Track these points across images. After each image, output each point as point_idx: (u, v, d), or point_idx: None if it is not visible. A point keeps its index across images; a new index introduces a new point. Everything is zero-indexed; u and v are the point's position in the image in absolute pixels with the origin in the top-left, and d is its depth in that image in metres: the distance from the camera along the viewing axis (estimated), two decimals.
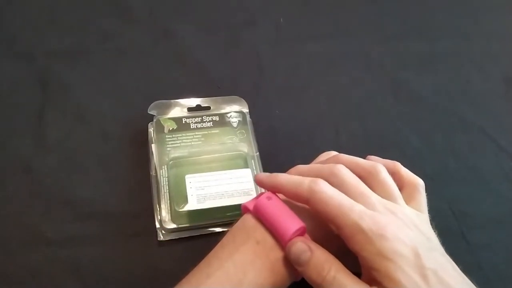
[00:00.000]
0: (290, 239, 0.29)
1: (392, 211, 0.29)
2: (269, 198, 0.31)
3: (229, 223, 0.39)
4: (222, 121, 0.45)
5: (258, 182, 0.33)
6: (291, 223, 0.30)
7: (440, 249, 0.29)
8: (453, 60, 0.56)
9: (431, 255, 0.27)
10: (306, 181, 0.30)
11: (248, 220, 0.32)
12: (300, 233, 0.30)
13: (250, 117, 0.46)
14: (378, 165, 0.32)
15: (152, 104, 0.44)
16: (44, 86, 0.46)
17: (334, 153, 0.36)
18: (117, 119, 0.45)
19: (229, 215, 0.39)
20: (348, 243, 0.28)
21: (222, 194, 0.39)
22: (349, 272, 0.27)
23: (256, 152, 0.43)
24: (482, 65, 0.56)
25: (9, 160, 0.41)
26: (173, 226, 0.38)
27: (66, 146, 0.43)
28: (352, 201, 0.29)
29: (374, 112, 0.50)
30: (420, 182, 0.33)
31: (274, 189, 0.32)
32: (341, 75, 0.53)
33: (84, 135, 0.44)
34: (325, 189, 0.29)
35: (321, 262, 0.28)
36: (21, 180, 0.40)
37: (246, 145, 0.44)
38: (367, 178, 0.31)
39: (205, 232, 0.39)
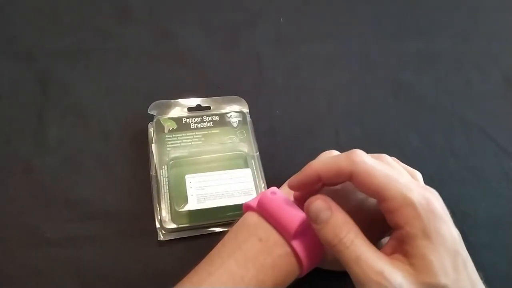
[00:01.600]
0: (296, 232, 0.29)
1: (429, 189, 0.28)
2: (273, 193, 0.31)
3: (229, 223, 0.39)
4: (222, 121, 0.45)
5: (294, 186, 0.31)
6: (296, 215, 0.29)
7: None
8: (453, 60, 0.56)
9: (461, 240, 0.27)
10: (342, 156, 0.28)
11: (250, 218, 0.32)
12: (305, 226, 0.30)
13: (250, 117, 0.46)
14: (383, 154, 0.32)
15: (152, 104, 0.44)
16: (44, 86, 0.46)
17: (334, 152, 0.36)
18: (117, 119, 0.45)
19: (229, 215, 0.39)
20: (391, 215, 0.27)
21: (222, 194, 0.39)
22: (368, 241, 0.27)
23: (256, 152, 0.43)
24: (482, 65, 0.56)
25: (9, 160, 0.41)
26: (173, 226, 0.38)
27: (66, 146, 0.43)
28: (396, 172, 0.28)
29: (374, 112, 0.50)
30: (418, 173, 0.33)
31: (311, 180, 0.30)
32: (341, 75, 0.53)
33: (84, 135, 0.44)
34: (366, 159, 0.28)
35: (340, 223, 0.27)
36: (21, 180, 0.40)
37: (246, 145, 0.44)
38: None
39: (205, 232, 0.39)
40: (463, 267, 0.26)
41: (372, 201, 0.30)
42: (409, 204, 0.26)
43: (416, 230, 0.25)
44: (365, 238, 0.27)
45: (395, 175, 0.27)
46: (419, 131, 0.49)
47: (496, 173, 0.47)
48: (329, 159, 0.29)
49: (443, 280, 0.25)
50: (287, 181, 0.34)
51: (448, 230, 0.26)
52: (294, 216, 0.29)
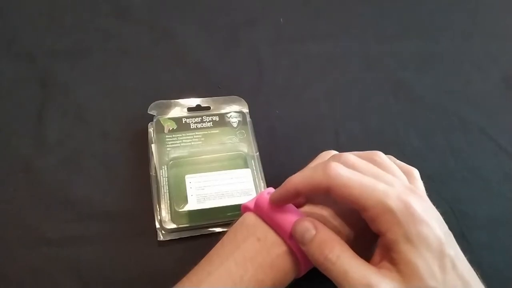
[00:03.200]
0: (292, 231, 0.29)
1: (412, 189, 0.28)
2: (269, 194, 0.31)
3: (229, 223, 0.39)
4: (222, 121, 0.45)
5: (275, 201, 0.30)
6: (292, 215, 0.30)
7: (451, 232, 0.28)
8: (453, 60, 0.56)
9: (450, 239, 0.27)
10: (319, 169, 0.28)
11: (248, 218, 0.32)
12: None
13: (250, 117, 0.46)
14: (377, 152, 0.31)
15: (152, 104, 0.44)
16: (44, 86, 0.46)
17: (333, 152, 0.36)
18: (117, 119, 0.45)
19: (229, 215, 0.39)
20: (373, 224, 0.27)
21: (222, 194, 0.39)
22: (355, 254, 0.27)
23: (256, 152, 0.43)
24: (482, 65, 0.56)
25: (9, 160, 0.41)
26: (173, 226, 0.38)
27: (66, 146, 0.43)
28: (373, 179, 0.27)
29: (374, 112, 0.50)
30: (416, 170, 0.33)
31: (291, 195, 0.29)
32: (341, 75, 0.53)
33: (84, 135, 0.44)
34: (341, 171, 0.27)
35: (324, 240, 0.28)
36: (21, 180, 0.40)
37: (246, 145, 0.44)
38: (370, 163, 0.30)
39: (205, 232, 0.39)
40: (452, 267, 0.25)
41: None
42: (388, 210, 0.26)
43: (397, 236, 0.25)
44: (351, 252, 0.27)
45: (372, 183, 0.27)
46: (419, 131, 0.49)
47: (496, 173, 0.47)
48: (307, 174, 0.29)
49: (431, 283, 0.25)
50: (270, 195, 0.33)
51: (431, 232, 0.26)
52: (291, 216, 0.30)
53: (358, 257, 0.27)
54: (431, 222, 0.26)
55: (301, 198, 0.32)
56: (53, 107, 0.45)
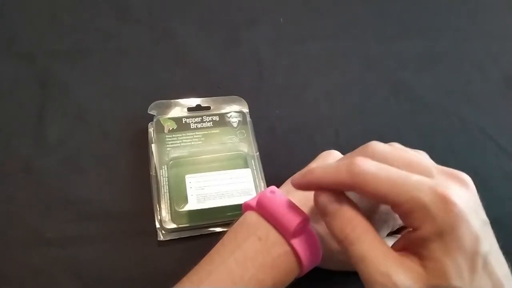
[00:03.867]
0: (295, 231, 0.29)
1: (453, 175, 0.26)
2: (272, 192, 0.31)
3: (229, 223, 0.39)
4: (222, 121, 0.45)
5: (295, 185, 0.29)
6: (295, 214, 0.29)
7: (488, 222, 0.26)
8: (453, 60, 0.56)
9: (486, 232, 0.25)
10: (342, 165, 0.26)
11: (250, 217, 0.31)
12: (304, 225, 0.30)
13: (250, 117, 0.46)
14: (394, 144, 0.30)
15: (152, 104, 0.44)
16: (44, 86, 0.46)
17: (335, 152, 0.36)
18: (117, 119, 0.45)
19: (229, 215, 0.39)
20: (405, 220, 0.25)
21: (222, 194, 0.39)
22: (377, 237, 0.25)
23: (256, 152, 0.43)
24: (482, 65, 0.56)
25: (9, 160, 0.41)
26: (173, 226, 0.38)
27: (66, 146, 0.43)
28: (403, 171, 0.25)
29: (374, 112, 0.50)
30: (424, 153, 0.32)
31: (312, 187, 0.28)
32: (341, 75, 0.53)
33: (84, 135, 0.44)
34: (366, 166, 0.25)
35: (347, 217, 0.26)
36: (21, 180, 0.40)
37: (246, 145, 0.44)
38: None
39: (205, 232, 0.39)
40: (483, 267, 0.24)
41: None
42: (421, 207, 0.24)
43: (430, 234, 0.24)
44: (375, 234, 0.25)
45: (403, 176, 0.25)
46: (419, 131, 0.49)
47: (496, 173, 0.47)
48: (331, 170, 0.27)
49: (456, 283, 0.23)
50: (288, 180, 0.34)
51: (468, 229, 0.23)
52: (293, 215, 0.29)
53: (381, 240, 0.25)
54: (470, 217, 0.24)
55: None
56: (53, 107, 0.45)
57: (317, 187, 0.28)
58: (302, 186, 0.29)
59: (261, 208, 0.31)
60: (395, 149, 0.28)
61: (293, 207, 0.30)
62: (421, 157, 0.28)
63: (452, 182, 0.25)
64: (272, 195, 0.31)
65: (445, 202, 0.23)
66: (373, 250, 0.25)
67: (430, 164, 0.26)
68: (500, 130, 0.50)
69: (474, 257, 0.23)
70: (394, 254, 0.25)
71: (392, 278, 0.23)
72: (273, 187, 0.32)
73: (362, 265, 0.24)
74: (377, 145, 0.28)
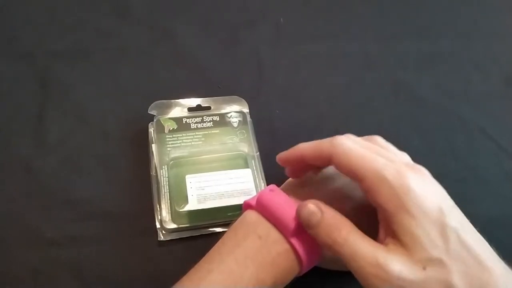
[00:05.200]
0: (294, 229, 0.29)
1: (413, 167, 0.28)
2: (272, 190, 0.31)
3: (229, 223, 0.38)
4: (222, 121, 0.45)
5: (280, 160, 0.33)
6: (294, 212, 0.29)
7: (458, 208, 0.28)
8: (453, 60, 0.56)
9: (453, 213, 0.27)
10: (325, 140, 0.30)
11: (250, 215, 0.31)
12: None
13: (251, 117, 0.46)
14: (377, 136, 0.33)
15: (152, 104, 0.44)
16: (44, 86, 0.46)
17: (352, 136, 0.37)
18: (117, 119, 0.45)
19: (229, 215, 0.39)
20: (371, 195, 0.27)
21: (223, 194, 0.39)
22: (362, 234, 0.27)
23: (257, 152, 0.43)
24: (483, 65, 0.56)
25: (9, 160, 0.41)
26: (174, 226, 0.38)
27: (66, 146, 0.43)
28: (374, 154, 0.28)
29: (374, 112, 0.50)
30: (406, 154, 0.33)
31: (296, 158, 0.32)
32: (341, 75, 0.53)
33: (84, 135, 0.44)
34: (344, 141, 0.29)
35: (331, 223, 0.27)
36: (21, 180, 0.40)
37: (246, 145, 0.44)
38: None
39: (206, 232, 0.39)
40: (456, 238, 0.25)
41: None
42: (384, 181, 0.26)
43: (394, 207, 0.26)
44: (359, 233, 0.27)
45: (372, 156, 0.28)
46: (419, 131, 0.49)
47: (497, 173, 0.47)
48: (314, 142, 0.31)
49: (434, 253, 0.25)
50: (289, 179, 0.35)
51: (429, 202, 0.26)
52: (293, 213, 0.29)
53: (366, 236, 0.27)
54: (430, 195, 0.26)
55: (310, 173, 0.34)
56: (53, 107, 0.45)
57: (300, 159, 0.31)
58: (287, 160, 0.32)
59: (260, 207, 0.31)
60: (368, 142, 0.31)
61: (292, 205, 0.30)
62: (394, 150, 0.32)
63: (412, 170, 0.28)
64: (272, 193, 0.31)
65: (405, 180, 0.26)
66: (361, 246, 0.26)
67: (398, 156, 0.30)
68: (500, 130, 0.50)
69: (443, 228, 0.25)
70: (379, 245, 0.26)
71: (383, 268, 0.25)
72: (273, 186, 0.32)
73: (353, 263, 0.26)
74: (348, 135, 0.31)
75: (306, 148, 0.31)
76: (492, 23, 0.61)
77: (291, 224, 0.29)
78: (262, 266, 0.29)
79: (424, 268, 0.25)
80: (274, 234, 0.30)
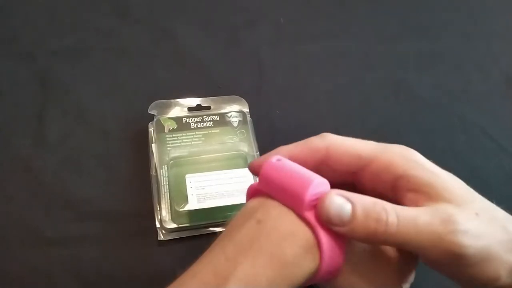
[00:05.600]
0: (309, 199, 0.23)
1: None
2: (278, 160, 0.26)
3: None
4: (222, 121, 0.45)
5: (255, 168, 0.27)
6: (310, 177, 0.23)
7: None
8: (453, 60, 0.56)
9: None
10: (312, 138, 0.29)
11: (251, 202, 0.26)
12: (322, 193, 0.23)
13: (251, 117, 0.46)
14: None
15: (152, 103, 0.44)
16: (44, 86, 0.46)
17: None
18: (117, 118, 0.45)
19: (229, 215, 0.39)
20: (380, 174, 0.26)
21: (223, 194, 0.39)
22: (401, 206, 0.24)
23: (257, 152, 0.43)
24: (483, 65, 0.56)
25: (9, 160, 0.41)
26: (174, 225, 0.38)
27: (66, 145, 0.43)
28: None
29: (375, 112, 0.50)
30: None
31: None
32: (342, 75, 0.53)
33: (84, 135, 0.44)
34: (334, 135, 0.28)
35: (371, 207, 0.23)
36: (21, 180, 0.40)
37: (246, 145, 0.44)
38: None
39: (206, 232, 0.39)
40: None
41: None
42: (393, 154, 0.26)
43: (405, 167, 0.25)
44: (400, 207, 0.24)
45: (368, 142, 0.28)
46: (420, 131, 0.49)
47: (497, 173, 0.47)
48: (298, 142, 0.29)
49: (476, 204, 0.25)
50: (252, 165, 0.29)
51: (441, 169, 0.26)
52: (308, 178, 0.23)
53: (406, 207, 0.24)
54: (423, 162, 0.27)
55: None
56: (53, 107, 0.45)
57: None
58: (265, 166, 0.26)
59: (265, 181, 0.25)
60: None
61: (306, 171, 0.24)
62: None
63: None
64: (279, 163, 0.25)
65: (412, 153, 0.27)
66: (416, 220, 0.23)
67: None
68: (500, 130, 0.50)
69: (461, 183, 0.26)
70: (425, 207, 0.24)
71: (451, 220, 0.23)
72: (279, 156, 0.26)
73: (417, 239, 0.22)
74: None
75: (291, 149, 0.28)
76: (492, 23, 0.61)
77: (303, 191, 0.23)
78: (257, 260, 0.22)
79: (477, 215, 0.24)
80: (277, 212, 0.24)
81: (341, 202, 0.23)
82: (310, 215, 0.23)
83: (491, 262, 0.23)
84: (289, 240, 0.23)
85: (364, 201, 0.23)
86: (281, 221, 0.24)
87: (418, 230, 0.22)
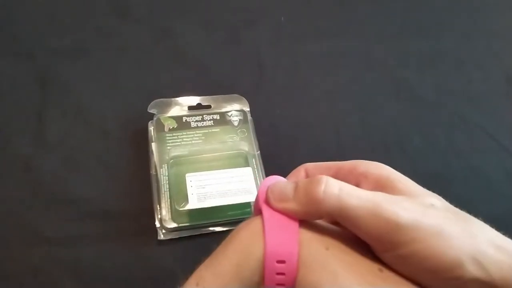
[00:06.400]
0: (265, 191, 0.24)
1: None
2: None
3: (229, 222, 0.39)
4: (223, 120, 0.45)
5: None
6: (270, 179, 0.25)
7: None
8: (454, 59, 0.56)
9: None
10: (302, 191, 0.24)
11: (253, 223, 0.25)
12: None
13: (251, 116, 0.46)
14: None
15: (152, 102, 0.44)
16: (44, 85, 0.46)
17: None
18: (117, 117, 0.45)
19: (230, 214, 0.39)
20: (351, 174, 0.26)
21: (223, 193, 0.39)
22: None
23: (257, 151, 0.43)
24: (484, 64, 0.56)
25: (9, 160, 0.41)
26: (174, 225, 0.38)
27: (66, 145, 0.43)
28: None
29: (375, 111, 0.50)
30: None
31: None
32: (342, 74, 0.53)
33: (84, 134, 0.44)
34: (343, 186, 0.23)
35: (314, 179, 0.23)
36: (21, 179, 0.40)
37: (247, 144, 0.43)
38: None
39: (206, 231, 0.39)
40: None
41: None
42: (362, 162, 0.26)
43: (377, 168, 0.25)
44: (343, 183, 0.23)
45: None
46: (421, 130, 0.49)
47: (498, 172, 0.47)
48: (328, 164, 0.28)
49: (428, 198, 0.24)
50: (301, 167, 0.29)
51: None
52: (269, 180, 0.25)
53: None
54: None
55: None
56: (53, 106, 0.45)
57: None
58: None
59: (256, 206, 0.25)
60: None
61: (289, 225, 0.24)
62: None
63: None
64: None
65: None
66: (359, 192, 0.23)
67: None
68: (501, 129, 0.50)
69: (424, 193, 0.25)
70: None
71: (392, 197, 0.23)
72: (274, 177, 0.26)
73: (358, 207, 0.22)
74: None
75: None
76: (493, 22, 0.61)
77: (259, 190, 0.25)
78: (221, 253, 0.24)
79: (428, 207, 0.23)
80: (248, 220, 0.24)
81: (285, 183, 0.24)
82: (263, 205, 0.24)
83: (446, 241, 0.21)
84: (243, 228, 0.24)
85: (306, 178, 0.24)
86: (245, 224, 0.25)
87: (360, 202, 0.22)
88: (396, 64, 0.54)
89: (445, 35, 0.58)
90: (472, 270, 0.21)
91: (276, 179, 0.26)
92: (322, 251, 0.23)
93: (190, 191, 0.39)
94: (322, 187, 0.23)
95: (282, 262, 0.22)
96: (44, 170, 0.41)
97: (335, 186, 0.23)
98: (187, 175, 0.40)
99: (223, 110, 0.45)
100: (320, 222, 0.25)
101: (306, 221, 0.24)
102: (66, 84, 0.47)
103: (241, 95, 0.47)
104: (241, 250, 0.23)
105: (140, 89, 0.47)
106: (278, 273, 0.23)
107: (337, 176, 0.25)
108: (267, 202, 0.24)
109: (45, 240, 0.37)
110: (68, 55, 0.49)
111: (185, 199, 0.38)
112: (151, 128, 0.43)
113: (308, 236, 0.23)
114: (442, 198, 0.25)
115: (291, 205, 0.23)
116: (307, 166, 0.29)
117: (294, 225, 0.23)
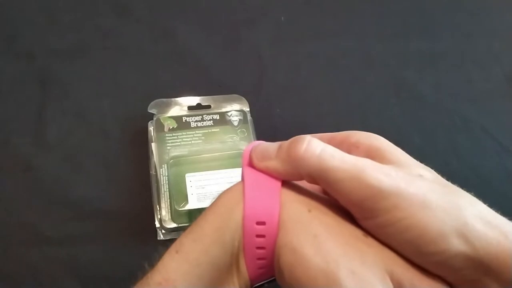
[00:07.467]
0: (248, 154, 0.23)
1: None
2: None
3: None
4: (222, 120, 0.45)
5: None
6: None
7: None
8: (454, 59, 0.56)
9: None
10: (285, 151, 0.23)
11: (231, 191, 0.24)
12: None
13: (251, 116, 0.46)
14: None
15: (152, 102, 0.44)
16: (44, 85, 0.46)
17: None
18: (117, 117, 0.45)
19: None
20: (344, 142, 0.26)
21: None
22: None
23: None
24: (484, 64, 0.56)
25: (9, 159, 0.41)
26: (173, 225, 0.38)
27: (66, 145, 0.43)
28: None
29: (376, 111, 0.50)
30: None
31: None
32: (343, 74, 0.53)
33: (83, 134, 0.44)
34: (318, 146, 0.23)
35: (297, 137, 0.23)
36: (21, 179, 0.40)
37: (247, 144, 0.43)
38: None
39: None
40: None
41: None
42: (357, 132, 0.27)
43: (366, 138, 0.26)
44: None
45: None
46: (421, 130, 0.49)
47: (498, 173, 0.47)
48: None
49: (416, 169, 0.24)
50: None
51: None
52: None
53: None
54: None
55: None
56: (53, 106, 0.45)
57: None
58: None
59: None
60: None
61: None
62: None
63: None
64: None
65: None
66: (342, 155, 0.22)
67: None
68: (502, 129, 0.50)
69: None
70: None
71: (376, 164, 0.22)
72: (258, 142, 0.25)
73: (339, 168, 0.21)
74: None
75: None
76: (493, 22, 0.61)
77: (244, 152, 0.24)
78: (203, 217, 0.23)
79: (415, 177, 0.22)
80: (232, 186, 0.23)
81: (269, 143, 0.24)
82: (244, 167, 0.23)
83: (429, 212, 0.20)
84: (225, 192, 0.24)
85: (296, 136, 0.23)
86: (228, 188, 0.24)
87: (342, 164, 0.21)
88: (396, 64, 0.54)
89: (445, 35, 0.58)
90: (457, 244, 0.20)
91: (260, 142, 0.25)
92: (304, 212, 0.22)
93: (190, 191, 0.39)
94: (304, 145, 0.22)
95: (262, 223, 0.22)
96: (44, 170, 0.41)
97: (317, 146, 0.22)
98: (187, 175, 0.40)
99: (223, 110, 0.45)
100: (304, 185, 0.24)
101: (290, 183, 0.24)
102: (66, 84, 0.47)
103: (241, 94, 0.46)
104: (222, 213, 0.23)
105: (140, 89, 0.47)
106: (258, 235, 0.22)
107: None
108: (250, 163, 0.24)
109: (44, 240, 0.37)
110: (68, 54, 0.49)
111: (185, 199, 0.38)
112: (151, 128, 0.43)
113: (290, 198, 0.23)
114: (434, 172, 0.24)
115: (273, 163, 0.23)
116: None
117: (276, 186, 0.23)
